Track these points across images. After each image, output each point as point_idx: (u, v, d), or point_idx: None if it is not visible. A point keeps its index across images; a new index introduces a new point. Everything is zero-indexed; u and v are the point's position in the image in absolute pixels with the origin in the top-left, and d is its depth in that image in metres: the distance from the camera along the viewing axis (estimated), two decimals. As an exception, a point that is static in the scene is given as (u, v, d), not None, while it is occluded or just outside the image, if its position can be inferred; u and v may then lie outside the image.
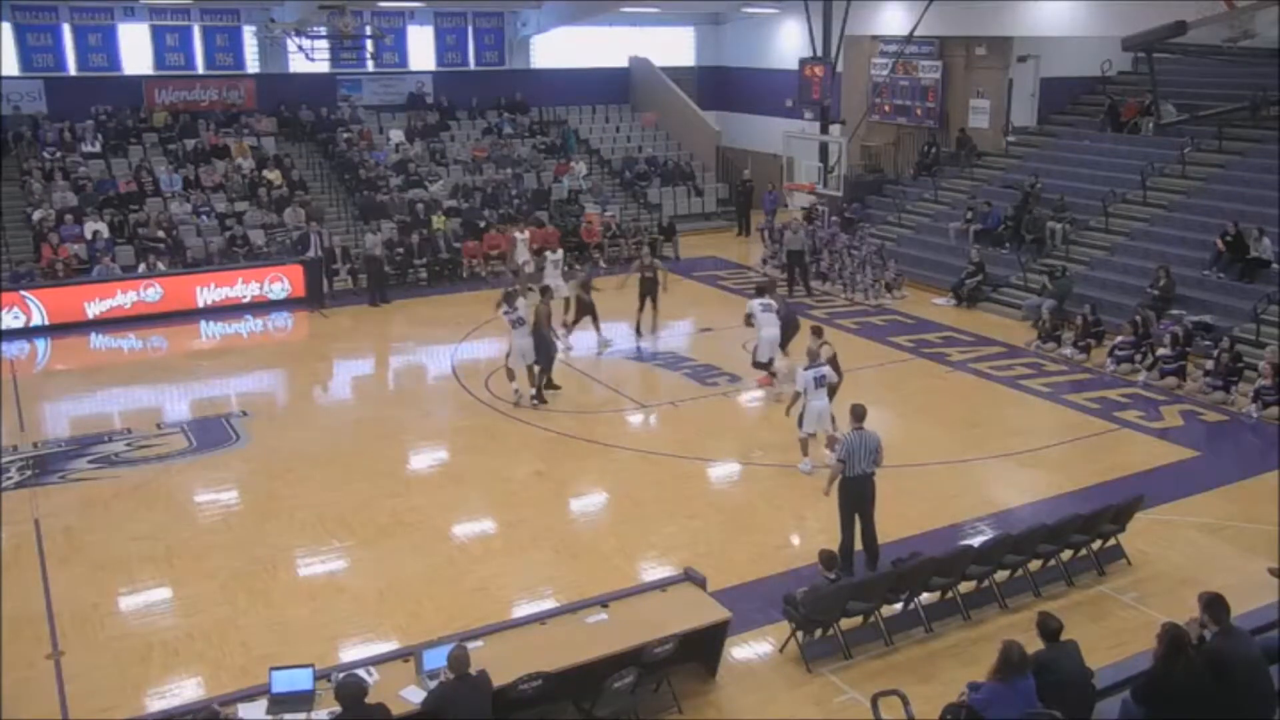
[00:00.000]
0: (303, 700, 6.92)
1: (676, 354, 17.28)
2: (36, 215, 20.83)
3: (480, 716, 6.80)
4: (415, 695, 7.02)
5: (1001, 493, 12.21)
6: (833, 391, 12.61)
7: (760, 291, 15.88)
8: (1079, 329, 17.15)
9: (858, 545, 10.06)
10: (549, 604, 9.34)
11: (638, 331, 17.89)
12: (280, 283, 20.35)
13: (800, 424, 12.33)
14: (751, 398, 15.53)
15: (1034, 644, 6.77)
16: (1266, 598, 8.19)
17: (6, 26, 23.76)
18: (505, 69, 29.29)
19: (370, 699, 6.54)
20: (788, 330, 15.61)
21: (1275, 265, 17.22)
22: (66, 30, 24.42)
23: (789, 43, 28.58)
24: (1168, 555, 10.50)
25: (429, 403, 15.56)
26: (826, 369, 12.30)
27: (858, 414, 10.01)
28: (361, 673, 7.04)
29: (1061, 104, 25.65)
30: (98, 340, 18.34)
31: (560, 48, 29.92)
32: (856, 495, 9.95)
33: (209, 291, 19.88)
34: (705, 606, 8.31)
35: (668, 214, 26.19)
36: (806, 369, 12.25)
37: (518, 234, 21.74)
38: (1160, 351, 15.87)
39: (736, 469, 12.91)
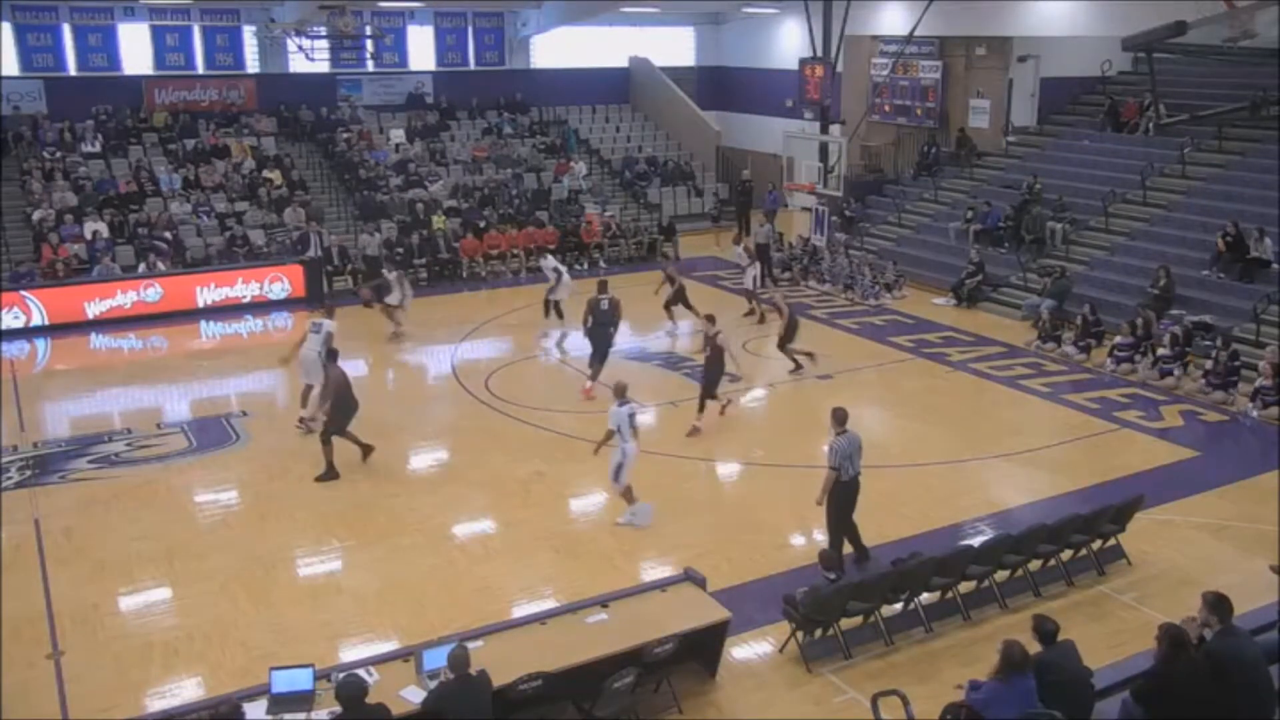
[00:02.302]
0: (303, 700, 6.92)
1: (676, 354, 17.28)
2: (36, 215, 20.84)
3: (480, 716, 6.80)
4: (415, 695, 7.02)
5: (1001, 493, 12.21)
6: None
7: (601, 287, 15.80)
8: (1079, 329, 17.15)
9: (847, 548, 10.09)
10: (549, 604, 9.34)
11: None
12: (280, 283, 20.36)
13: (615, 477, 10.93)
14: (752, 397, 15.56)
15: (1033, 644, 6.77)
16: (1267, 598, 8.20)
17: (6, 26, 23.76)
18: (505, 69, 29.30)
19: (370, 699, 6.54)
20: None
21: (1275, 265, 17.21)
22: (66, 30, 24.44)
23: (789, 43, 28.58)
24: (1168, 555, 10.51)
25: (429, 403, 15.56)
26: (635, 405, 11.08)
27: (840, 418, 9.91)
28: (361, 673, 7.05)
29: (1061, 104, 25.65)
30: (98, 340, 18.34)
31: (560, 48, 29.93)
32: (851, 499, 9.96)
33: (209, 291, 19.90)
34: (705, 606, 8.32)
35: (668, 214, 26.20)
36: (621, 405, 10.78)
37: (542, 261, 19.48)
38: (1160, 351, 15.88)
39: (736, 469, 12.92)
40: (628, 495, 11.10)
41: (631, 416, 10.87)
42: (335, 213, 23.67)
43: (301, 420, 13.68)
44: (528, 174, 26.08)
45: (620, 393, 10.97)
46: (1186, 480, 12.35)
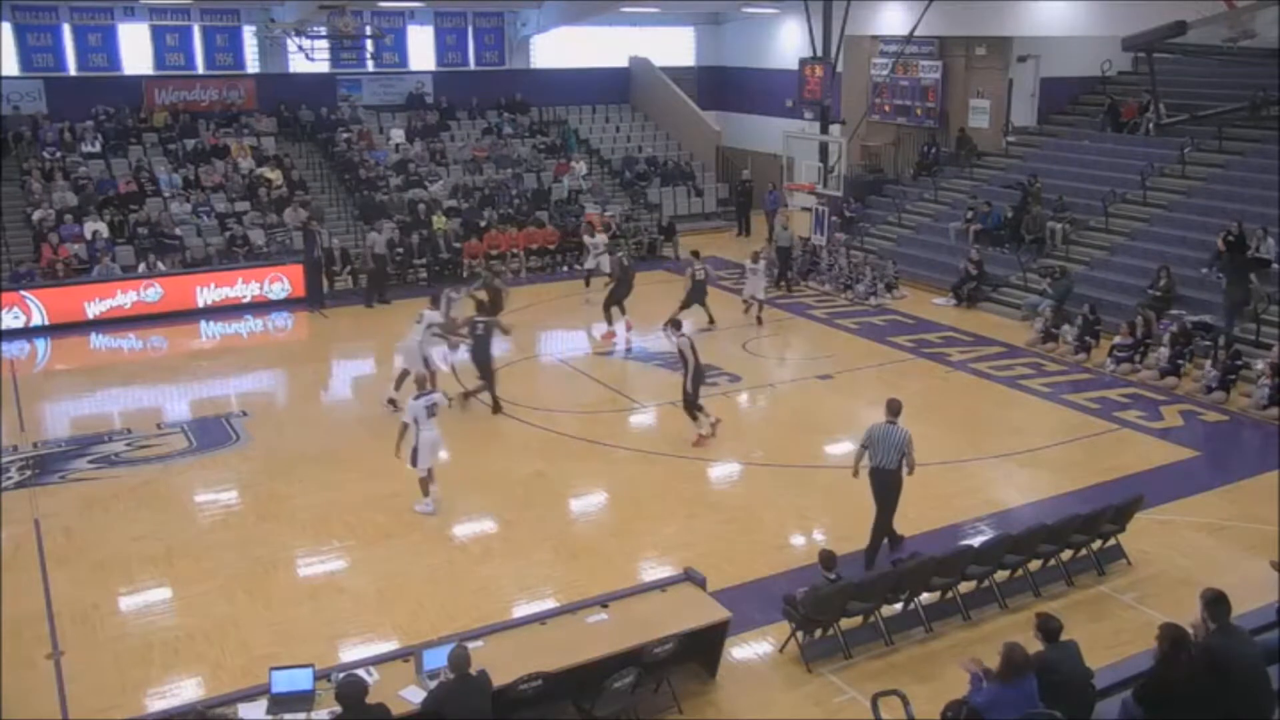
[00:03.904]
0: (303, 700, 6.92)
1: (676, 353, 17.25)
2: (36, 215, 20.83)
3: (480, 716, 6.80)
4: (415, 695, 7.02)
5: (1001, 493, 12.21)
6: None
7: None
8: (1079, 329, 17.15)
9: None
10: (549, 604, 9.33)
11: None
12: (280, 283, 20.36)
13: (413, 461, 11.21)
14: (752, 397, 15.57)
15: (1034, 644, 6.77)
16: (1267, 598, 8.19)
17: (6, 26, 23.74)
18: (505, 69, 29.29)
19: (370, 699, 6.54)
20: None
21: (1276, 265, 17.21)
22: (66, 30, 24.42)
23: (789, 43, 28.58)
24: (1168, 555, 10.51)
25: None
26: (438, 396, 11.60)
27: (892, 409, 10.12)
28: (361, 673, 7.04)
29: (1061, 104, 25.67)
30: (98, 340, 18.34)
31: (560, 48, 29.92)
32: (876, 485, 10.14)
33: (209, 291, 19.90)
34: (705, 606, 8.32)
35: (668, 214, 26.20)
36: (417, 398, 11.24)
37: (587, 238, 21.67)
38: (1160, 351, 15.88)
39: (736, 469, 12.91)
40: (423, 485, 11.37)
41: (429, 407, 11.23)
42: (335, 213, 23.65)
43: (391, 401, 14.24)
44: (528, 174, 26.08)
45: (421, 384, 11.73)
46: (1186, 480, 12.35)
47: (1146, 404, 14.93)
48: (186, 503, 11.83)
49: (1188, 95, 21.26)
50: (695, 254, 18.69)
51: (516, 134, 27.73)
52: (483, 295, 16.50)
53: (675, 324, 13.97)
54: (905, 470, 10.03)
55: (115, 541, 10.78)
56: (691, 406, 13.39)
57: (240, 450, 13.33)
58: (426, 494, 11.42)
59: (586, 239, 21.70)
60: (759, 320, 18.92)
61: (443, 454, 11.80)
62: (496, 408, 14.41)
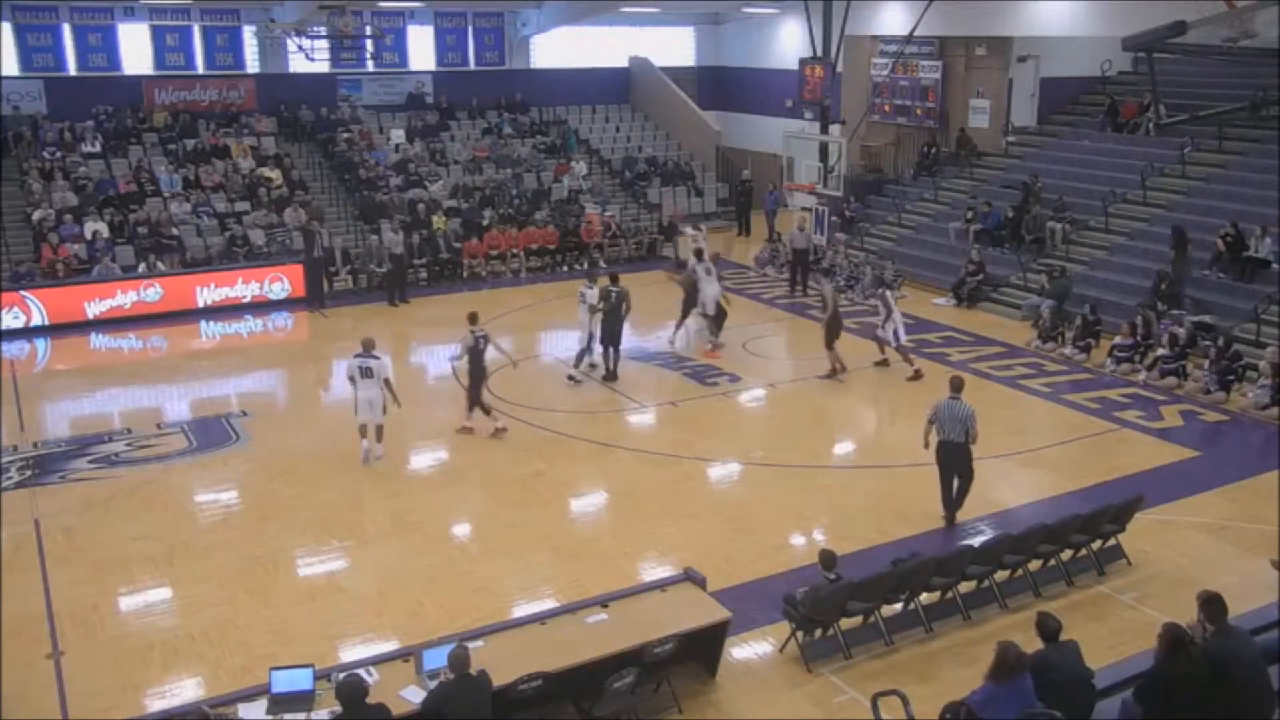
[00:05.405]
0: (303, 700, 6.92)
1: (676, 354, 17.28)
2: (36, 215, 20.83)
3: (480, 716, 6.80)
4: (415, 695, 7.02)
5: (1001, 493, 12.20)
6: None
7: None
8: (1079, 329, 17.15)
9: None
10: (549, 604, 9.33)
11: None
12: (280, 283, 20.36)
13: (356, 410, 12.61)
14: (752, 397, 15.57)
15: (1033, 644, 6.77)
16: (1267, 598, 8.19)
17: (6, 26, 23.75)
18: (505, 69, 29.30)
19: (370, 699, 6.54)
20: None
21: (1275, 265, 17.22)
22: (66, 30, 24.43)
23: (789, 43, 28.59)
24: (1168, 555, 10.51)
25: (429, 403, 15.54)
26: (374, 361, 12.43)
27: (955, 385, 11.03)
28: (361, 673, 7.05)
29: (1061, 104, 25.66)
30: (98, 340, 18.34)
31: (560, 48, 29.94)
32: (943, 458, 10.97)
33: (209, 291, 19.90)
34: (705, 606, 8.32)
35: (667, 214, 26.19)
36: (355, 357, 12.44)
37: (690, 230, 20.88)
38: (1160, 351, 15.89)
39: (736, 469, 12.91)
40: (362, 431, 12.65)
41: (363, 368, 12.36)
42: (335, 213, 23.65)
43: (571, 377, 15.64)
44: (528, 174, 26.08)
45: (363, 345, 12.53)
46: (1186, 480, 12.35)
47: (1146, 404, 14.93)
48: (186, 503, 11.83)
49: (1188, 95, 21.26)
50: (827, 273, 18.84)
51: (516, 134, 27.73)
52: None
53: (472, 317, 13.91)
54: (970, 442, 10.72)
55: (115, 541, 10.79)
56: (474, 401, 13.62)
57: (240, 450, 13.33)
58: (364, 436, 12.66)
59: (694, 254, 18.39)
60: (918, 373, 15.88)
61: (379, 413, 12.58)
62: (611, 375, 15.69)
